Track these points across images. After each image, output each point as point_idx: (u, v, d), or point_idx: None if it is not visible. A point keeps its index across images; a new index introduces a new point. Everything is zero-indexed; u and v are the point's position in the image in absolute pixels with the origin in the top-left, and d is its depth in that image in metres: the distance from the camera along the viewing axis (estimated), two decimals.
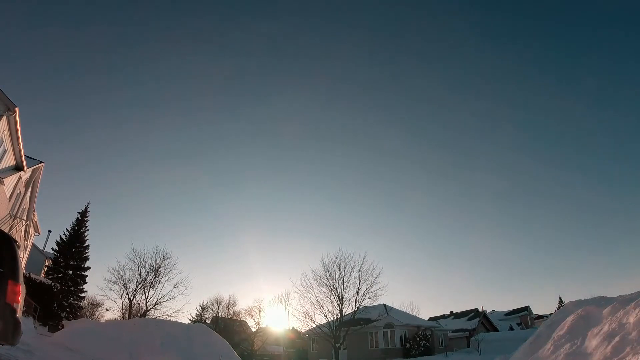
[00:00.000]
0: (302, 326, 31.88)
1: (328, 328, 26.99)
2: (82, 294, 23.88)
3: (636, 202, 62.02)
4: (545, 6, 57.67)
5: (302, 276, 46.87)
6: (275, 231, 71.47)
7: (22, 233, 20.58)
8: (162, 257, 25.25)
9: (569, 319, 7.73)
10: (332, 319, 27.43)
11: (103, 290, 25.00)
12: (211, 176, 69.76)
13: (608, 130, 62.44)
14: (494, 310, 49.67)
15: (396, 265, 62.46)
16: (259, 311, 38.85)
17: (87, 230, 24.55)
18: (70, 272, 22.99)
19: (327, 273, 27.34)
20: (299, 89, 63.34)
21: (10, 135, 13.91)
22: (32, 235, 25.76)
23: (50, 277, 22.57)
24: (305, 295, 27.74)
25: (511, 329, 41.28)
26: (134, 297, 24.13)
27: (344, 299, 27.01)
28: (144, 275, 24.48)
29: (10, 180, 15.05)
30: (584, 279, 68.23)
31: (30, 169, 18.00)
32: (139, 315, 24.21)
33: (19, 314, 4.32)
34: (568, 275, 71.30)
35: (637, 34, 57.01)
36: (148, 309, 24.36)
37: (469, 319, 40.77)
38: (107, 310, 29.00)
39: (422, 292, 70.57)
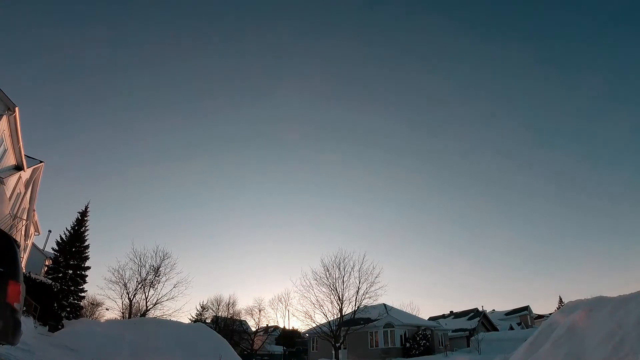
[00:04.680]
0: (302, 326, 32.01)
1: (328, 328, 26.97)
2: (82, 294, 23.78)
3: (637, 201, 62.06)
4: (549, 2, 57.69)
5: (302, 276, 46.87)
6: (275, 231, 71.56)
7: (22, 233, 20.61)
8: (162, 257, 25.31)
9: (569, 319, 7.72)
10: (332, 318, 27.42)
11: (103, 290, 25.15)
12: (211, 176, 69.84)
13: (610, 129, 62.41)
14: (494, 310, 49.72)
15: (396, 265, 62.45)
16: (259, 311, 39.03)
17: (87, 230, 24.46)
18: (70, 271, 22.89)
19: (327, 273, 27.38)
20: (299, 88, 63.37)
21: (10, 135, 13.95)
22: (32, 234, 25.79)
23: (50, 276, 22.49)
24: (305, 295, 27.81)
25: (511, 328, 41.24)
26: (134, 296, 24.17)
27: (344, 298, 27.04)
28: (144, 274, 24.54)
29: (10, 180, 15.06)
30: (584, 279, 68.22)
31: (30, 169, 18.02)
32: (139, 315, 24.21)
33: (19, 314, 4.32)
34: (568, 275, 71.34)
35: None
36: (148, 308, 24.38)
37: (469, 319, 40.76)
38: (107, 310, 29.00)
39: (422, 292, 70.63)
